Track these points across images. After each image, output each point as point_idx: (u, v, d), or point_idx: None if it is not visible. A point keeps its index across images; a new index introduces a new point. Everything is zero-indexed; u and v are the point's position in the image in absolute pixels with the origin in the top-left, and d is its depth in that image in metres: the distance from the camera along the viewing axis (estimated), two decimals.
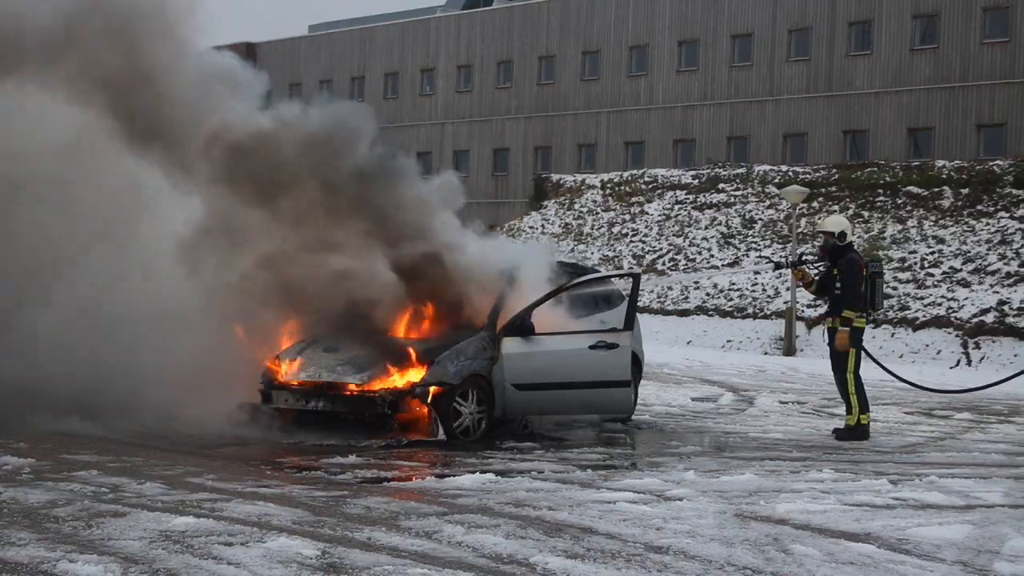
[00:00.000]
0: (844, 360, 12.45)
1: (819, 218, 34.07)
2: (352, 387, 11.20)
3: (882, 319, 28.52)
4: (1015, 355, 25.38)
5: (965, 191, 33.07)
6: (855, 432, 12.35)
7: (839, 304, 12.49)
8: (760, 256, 33.93)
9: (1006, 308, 26.86)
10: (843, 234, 12.63)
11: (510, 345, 11.61)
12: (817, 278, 13.05)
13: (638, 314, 12.89)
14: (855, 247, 12.94)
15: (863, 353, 12.67)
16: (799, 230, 33.11)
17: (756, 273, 31.74)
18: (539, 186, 45.14)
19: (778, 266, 14.04)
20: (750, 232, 35.62)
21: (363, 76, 59.73)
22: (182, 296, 11.81)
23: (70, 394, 11.56)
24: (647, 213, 39.39)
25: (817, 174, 36.76)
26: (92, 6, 11.64)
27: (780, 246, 34.09)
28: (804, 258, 13.50)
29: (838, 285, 12.54)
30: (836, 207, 34.73)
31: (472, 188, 55.37)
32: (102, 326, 11.96)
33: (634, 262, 36.06)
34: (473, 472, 9.27)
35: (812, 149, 44.70)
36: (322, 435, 11.12)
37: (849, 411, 12.48)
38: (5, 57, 11.31)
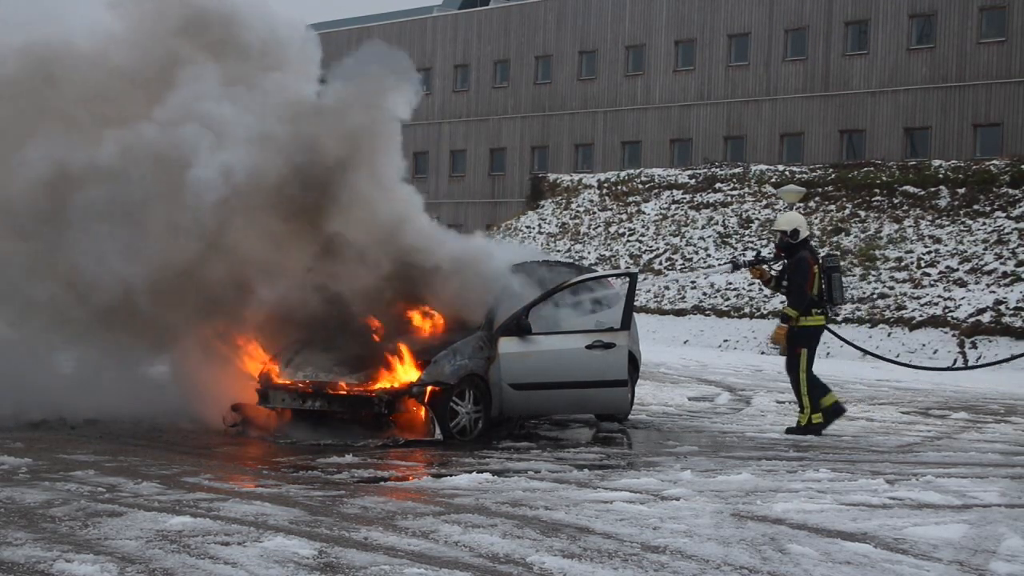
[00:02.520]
0: (797, 359, 12.54)
1: (815, 217, 34.09)
2: (349, 387, 11.19)
3: (879, 318, 28.53)
4: (1012, 354, 25.39)
5: (962, 191, 33.09)
6: (807, 431, 12.47)
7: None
8: (757, 256, 33.91)
9: (1002, 308, 26.87)
10: (796, 231, 12.71)
11: (507, 345, 11.60)
12: (775, 275, 13.16)
13: (635, 314, 12.89)
14: (810, 243, 13.01)
15: (849, 344, 12.77)
16: None
17: (711, 272, 31.67)
18: (536, 186, 45.10)
19: (736, 266, 14.13)
20: (747, 232, 35.62)
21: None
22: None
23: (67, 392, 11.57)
24: (644, 213, 39.38)
25: (814, 173, 36.75)
26: None
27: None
28: (761, 256, 13.62)
29: (784, 283, 12.69)
30: (833, 206, 34.74)
31: (469, 188, 55.48)
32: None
33: (631, 262, 36.05)
34: (470, 472, 9.27)
35: (809, 148, 44.72)
36: (319, 435, 11.11)
37: (802, 409, 12.55)
38: None
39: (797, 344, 12.55)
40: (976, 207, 32.30)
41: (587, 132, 51.13)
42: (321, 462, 9.75)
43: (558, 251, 38.34)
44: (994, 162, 33.98)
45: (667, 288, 33.45)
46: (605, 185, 42.26)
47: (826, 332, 12.99)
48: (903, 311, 28.67)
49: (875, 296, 29.77)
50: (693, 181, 39.70)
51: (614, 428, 12.88)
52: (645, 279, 32.01)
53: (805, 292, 12.47)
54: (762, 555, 6.77)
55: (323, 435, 11.10)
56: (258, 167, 11.03)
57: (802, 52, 45.13)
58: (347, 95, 11.70)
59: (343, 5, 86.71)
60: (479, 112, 55.09)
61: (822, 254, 12.88)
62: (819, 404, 12.58)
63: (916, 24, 42.68)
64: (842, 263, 30.81)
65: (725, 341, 30.06)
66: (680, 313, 32.29)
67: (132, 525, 7.10)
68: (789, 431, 12.67)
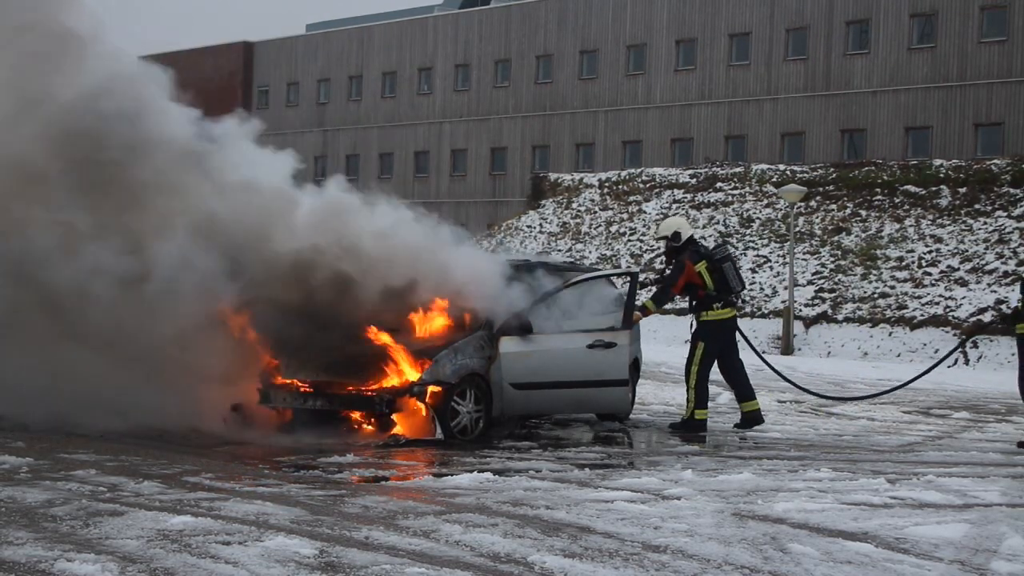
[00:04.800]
0: (691, 351, 12.75)
1: (816, 217, 34.07)
2: (350, 386, 11.19)
3: (880, 318, 28.53)
4: (1012, 354, 25.34)
5: (963, 190, 33.09)
6: (689, 425, 12.57)
7: (700, 302, 12.82)
8: (758, 255, 33.93)
9: (1004, 307, 26.86)
10: (677, 234, 12.92)
11: (508, 344, 11.60)
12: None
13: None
14: (696, 244, 13.10)
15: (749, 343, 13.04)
16: (797, 229, 33.11)
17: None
18: (537, 185, 45.13)
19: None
20: (748, 231, 35.62)
21: (361, 75, 59.73)
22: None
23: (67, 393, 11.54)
24: (645, 212, 39.39)
25: (815, 173, 36.77)
26: None
27: (778, 245, 34.09)
28: (654, 264, 13.89)
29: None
30: (834, 206, 34.75)
31: (470, 187, 55.51)
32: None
33: (632, 261, 36.06)
34: (471, 471, 9.27)
35: (810, 148, 44.73)
36: (320, 434, 11.11)
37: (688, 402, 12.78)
38: None
39: (696, 338, 12.88)
40: (977, 206, 32.30)
41: (588, 131, 51.14)
42: (322, 461, 9.75)
43: (559, 250, 38.36)
44: (995, 161, 33.99)
45: None
46: (606, 184, 42.27)
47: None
48: (904, 310, 28.67)
49: (876, 296, 29.76)
50: (694, 180, 39.70)
51: (615, 427, 12.89)
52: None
53: (669, 291, 12.84)
54: (763, 554, 6.76)
55: (324, 434, 11.10)
56: None
57: (803, 52, 45.14)
58: None
59: (343, 5, 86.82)
60: (480, 111, 55.10)
61: (712, 247, 13.13)
62: (706, 403, 12.79)
63: (917, 23, 42.69)
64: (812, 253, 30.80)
65: None
66: (681, 313, 32.27)
67: (133, 524, 7.09)
68: (672, 428, 12.78)
